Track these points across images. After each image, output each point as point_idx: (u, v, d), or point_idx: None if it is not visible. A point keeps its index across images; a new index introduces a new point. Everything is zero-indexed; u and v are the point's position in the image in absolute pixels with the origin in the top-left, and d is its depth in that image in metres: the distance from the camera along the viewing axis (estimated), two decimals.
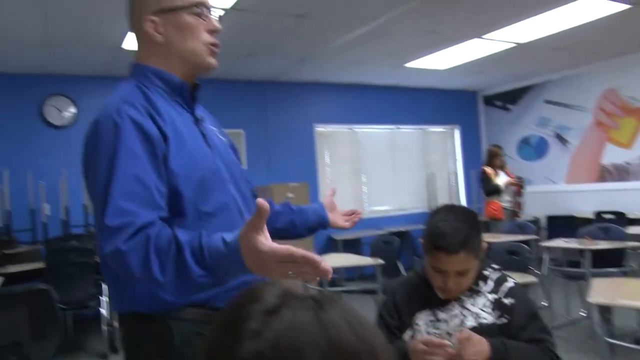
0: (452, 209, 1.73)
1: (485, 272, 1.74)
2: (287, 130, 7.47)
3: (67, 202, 5.88)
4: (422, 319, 1.73)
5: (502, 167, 6.75)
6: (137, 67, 1.39)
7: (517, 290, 1.72)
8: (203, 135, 1.38)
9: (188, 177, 1.25)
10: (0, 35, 4.71)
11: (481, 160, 8.78)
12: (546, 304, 4.78)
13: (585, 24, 5.44)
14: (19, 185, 5.78)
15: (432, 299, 1.72)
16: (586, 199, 7.32)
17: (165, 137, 1.24)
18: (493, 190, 6.62)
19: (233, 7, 4.36)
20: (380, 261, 4.59)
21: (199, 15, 1.35)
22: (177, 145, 1.26)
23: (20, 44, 4.99)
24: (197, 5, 1.35)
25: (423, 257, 1.74)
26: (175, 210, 1.23)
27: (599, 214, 6.69)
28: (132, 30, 1.41)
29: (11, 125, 5.96)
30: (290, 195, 6.60)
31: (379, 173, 8.22)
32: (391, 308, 1.81)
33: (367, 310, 5.58)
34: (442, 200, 8.54)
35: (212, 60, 1.39)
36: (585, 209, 7.19)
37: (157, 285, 1.12)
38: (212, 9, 1.41)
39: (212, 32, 1.38)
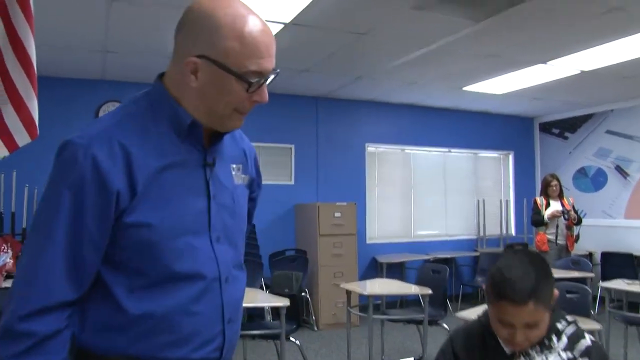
0: (517, 253, 1.57)
1: (559, 326, 1.56)
2: (338, 148, 7.38)
3: None
4: None
5: (559, 197, 6.51)
6: (158, 89, 1.24)
7: (596, 350, 1.54)
8: (207, 183, 1.24)
9: (162, 233, 1.14)
10: (61, 40, 4.78)
11: (534, 188, 8.52)
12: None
13: None
14: None
15: (497, 352, 1.56)
16: None
17: (133, 193, 1.12)
18: (536, 222, 6.49)
19: (292, 22, 4.31)
20: (428, 291, 4.42)
21: (250, 85, 1.16)
22: (154, 200, 1.14)
23: (81, 49, 5.07)
24: (253, 74, 1.15)
25: (487, 304, 1.59)
26: (138, 267, 1.14)
27: None
28: (174, 49, 1.23)
29: (67, 130, 6.03)
30: (337, 214, 6.49)
31: (428, 196, 8.03)
32: (450, 358, 1.66)
33: (412, 340, 5.40)
34: (492, 228, 8.29)
35: (237, 125, 1.25)
36: None
37: None
38: (270, 75, 1.19)
39: (256, 103, 1.20)
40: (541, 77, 6.10)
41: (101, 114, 6.17)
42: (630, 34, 4.63)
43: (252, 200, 1.46)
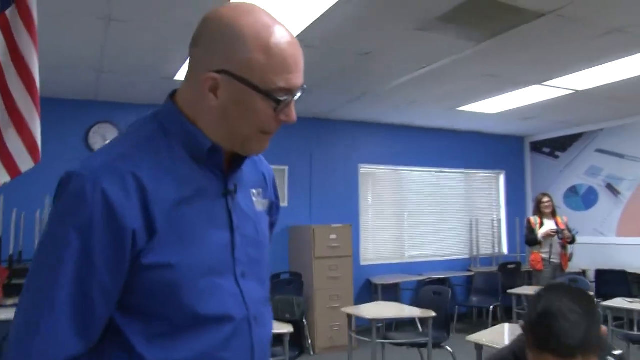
0: (563, 296, 1.37)
1: None
2: (331, 169, 7.31)
3: None
4: None
5: (553, 216, 6.54)
6: (169, 110, 1.09)
7: None
8: (229, 213, 1.10)
9: (184, 273, 1.00)
10: (55, 59, 4.66)
11: (526, 207, 8.55)
12: None
13: None
14: None
15: None
16: (639, 254, 6.98)
17: (151, 231, 0.98)
18: (531, 241, 6.52)
19: None
20: (431, 313, 4.35)
21: (276, 103, 1.02)
22: (174, 237, 1.00)
23: (76, 69, 4.95)
24: (280, 91, 1.01)
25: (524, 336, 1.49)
26: (158, 312, 1.00)
27: None
28: (189, 65, 1.09)
29: (55, 153, 5.89)
30: (332, 236, 6.41)
31: (421, 217, 8.00)
32: None
33: None
34: (485, 248, 8.27)
35: (263, 148, 1.11)
36: (638, 265, 6.86)
37: None
38: (298, 92, 1.06)
39: (283, 123, 1.07)
40: (535, 97, 6.14)
41: (91, 135, 6.04)
42: (629, 55, 4.68)
43: (271, 226, 1.32)
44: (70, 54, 4.54)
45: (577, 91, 5.88)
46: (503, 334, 3.65)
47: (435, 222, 8.10)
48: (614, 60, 4.82)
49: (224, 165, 1.11)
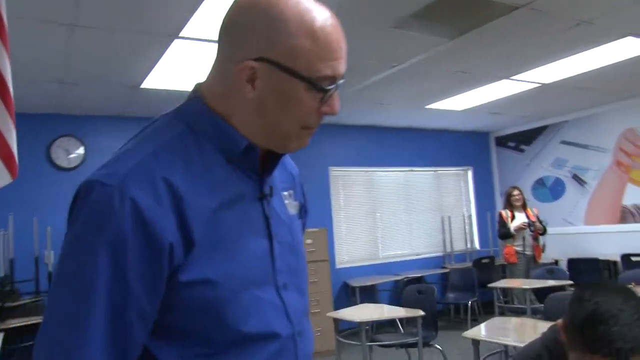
0: (610, 294, 1.31)
1: None
2: (302, 173, 7.18)
3: None
4: None
5: (523, 208, 6.64)
6: (196, 107, 0.97)
7: None
8: (266, 219, 1.00)
9: (226, 288, 0.90)
10: (16, 72, 4.42)
11: (495, 202, 8.66)
12: None
13: (611, 65, 5.40)
14: (24, 231, 5.43)
15: None
16: (608, 241, 7.15)
17: (189, 244, 0.87)
18: (503, 235, 6.59)
19: None
20: (420, 313, 4.31)
21: (321, 93, 0.92)
22: (213, 250, 0.89)
23: (36, 80, 4.71)
24: (326, 79, 0.91)
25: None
26: (196, 333, 0.89)
27: (626, 257, 6.52)
28: (218, 56, 0.98)
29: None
30: (309, 241, 6.31)
31: (393, 216, 7.99)
32: None
33: None
34: (457, 244, 8.33)
35: (304, 144, 1.00)
36: (607, 252, 7.02)
37: None
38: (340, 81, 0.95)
39: (325, 115, 0.96)
40: (502, 92, 6.21)
41: (53, 149, 5.79)
42: (596, 46, 4.77)
43: (302, 230, 1.21)
44: (31, 64, 4.30)
45: (543, 84, 5.97)
46: (497, 328, 3.63)
47: (407, 221, 8.11)
48: (581, 51, 4.90)
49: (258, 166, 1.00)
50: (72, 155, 5.90)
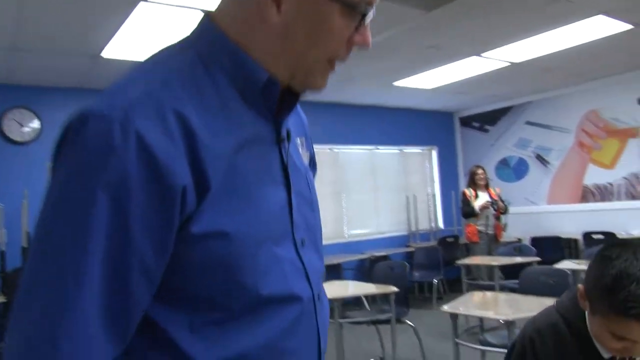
0: (636, 253, 1.23)
1: None
2: None
3: (29, 227, 5.24)
4: None
5: (486, 188, 6.67)
6: (209, 34, 0.83)
7: None
8: (284, 166, 0.87)
9: (242, 243, 0.77)
10: None
11: (458, 181, 8.71)
12: None
13: (579, 46, 5.44)
14: None
15: (591, 356, 1.32)
16: (569, 219, 7.29)
17: (203, 188, 0.73)
18: (467, 213, 6.60)
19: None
20: (393, 289, 4.27)
21: (357, 18, 0.81)
22: (229, 198, 0.76)
23: None
24: (362, 3, 0.80)
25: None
26: (207, 296, 0.76)
27: (588, 235, 6.65)
28: None
29: None
30: None
31: (359, 195, 7.95)
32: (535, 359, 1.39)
33: (369, 341, 5.12)
34: (422, 223, 8.34)
35: (324, 83, 0.88)
36: (569, 230, 7.16)
37: None
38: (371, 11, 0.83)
39: (355, 46, 0.85)
40: (471, 70, 6.19)
41: (5, 122, 5.46)
42: (570, 23, 4.76)
43: None
44: None
45: (513, 63, 5.97)
46: (473, 302, 3.60)
47: (373, 200, 8.08)
48: (553, 29, 4.89)
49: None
50: (26, 129, 5.58)
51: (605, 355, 1.31)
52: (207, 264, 0.74)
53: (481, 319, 3.71)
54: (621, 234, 6.49)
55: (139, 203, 0.68)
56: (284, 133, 0.88)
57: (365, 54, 5.18)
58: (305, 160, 1.00)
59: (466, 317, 3.34)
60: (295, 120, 1.00)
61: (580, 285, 1.32)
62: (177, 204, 0.70)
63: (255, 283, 0.78)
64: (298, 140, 0.98)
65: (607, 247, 1.29)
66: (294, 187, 0.88)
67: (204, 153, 0.73)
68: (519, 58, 5.79)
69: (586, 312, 1.33)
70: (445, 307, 3.30)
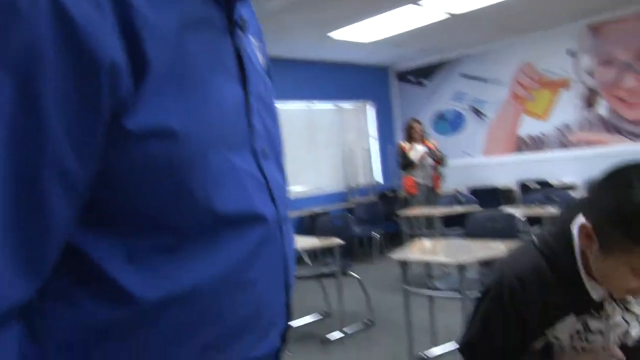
0: None
1: None
2: None
3: None
4: (565, 330, 1.20)
5: (422, 141, 6.64)
6: None
7: None
8: (239, 58, 0.71)
9: (191, 145, 0.60)
10: None
11: (395, 136, 8.69)
12: None
13: None
14: None
15: (581, 302, 1.18)
16: (505, 170, 7.42)
17: (141, 68, 0.56)
18: (405, 165, 6.58)
19: None
20: (339, 241, 4.17)
21: None
22: (174, 87, 0.59)
23: None
24: None
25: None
26: (149, 215, 0.60)
27: (524, 185, 6.79)
28: None
29: None
30: None
31: (296, 152, 7.76)
32: (511, 313, 1.21)
33: (311, 295, 5.01)
34: (361, 178, 8.29)
35: None
36: (504, 181, 7.29)
37: None
38: None
39: None
40: (410, 23, 6.06)
41: None
42: None
43: None
44: None
45: (453, 15, 5.87)
46: (419, 250, 3.54)
47: (310, 157, 7.93)
48: None
49: None
50: None
51: (596, 296, 1.16)
52: (147, 172, 0.58)
53: (428, 266, 3.67)
54: (554, 182, 6.66)
55: (53, 81, 0.51)
56: (237, 19, 0.71)
57: (298, 2, 4.94)
58: (264, 66, 0.84)
59: (409, 266, 3.26)
60: (251, 21, 0.82)
61: (585, 223, 1.12)
62: (105, 83, 0.53)
63: (207, 195, 0.62)
64: (254, 41, 0.81)
65: (612, 173, 1.09)
66: (252, 87, 0.72)
67: (140, 23, 0.56)
68: (458, 9, 5.69)
69: (589, 252, 1.13)
70: (394, 256, 3.21)
